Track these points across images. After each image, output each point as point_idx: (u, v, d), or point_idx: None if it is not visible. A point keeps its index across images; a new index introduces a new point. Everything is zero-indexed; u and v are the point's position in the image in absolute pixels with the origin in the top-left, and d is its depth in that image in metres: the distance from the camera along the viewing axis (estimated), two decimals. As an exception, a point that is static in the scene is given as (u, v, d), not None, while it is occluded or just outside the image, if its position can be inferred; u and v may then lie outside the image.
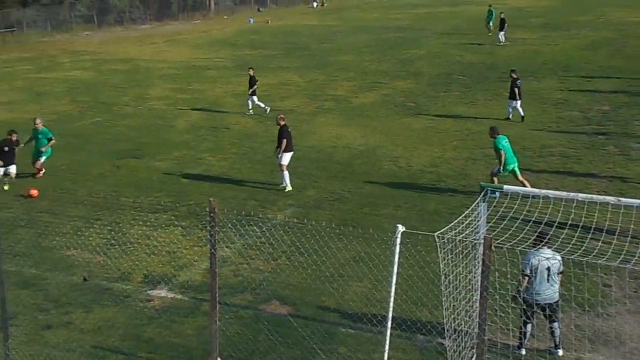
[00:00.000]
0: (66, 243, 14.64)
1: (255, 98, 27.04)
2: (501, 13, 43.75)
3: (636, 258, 10.74)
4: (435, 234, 8.97)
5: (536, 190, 10.36)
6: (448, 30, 49.96)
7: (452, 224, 9.35)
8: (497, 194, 10.26)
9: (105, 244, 14.74)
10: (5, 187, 18.68)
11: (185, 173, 19.98)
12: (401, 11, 65.05)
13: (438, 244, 8.95)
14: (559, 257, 10.24)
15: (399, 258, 9.12)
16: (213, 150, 22.30)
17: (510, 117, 24.84)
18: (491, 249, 7.90)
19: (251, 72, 27.27)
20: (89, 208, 17.08)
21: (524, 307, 10.42)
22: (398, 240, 9.05)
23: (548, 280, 10.17)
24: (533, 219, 11.73)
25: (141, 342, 11.02)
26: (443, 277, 9.32)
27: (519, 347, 10.65)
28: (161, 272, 13.51)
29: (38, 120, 20.49)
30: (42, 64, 41.99)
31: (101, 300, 12.41)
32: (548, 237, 10.37)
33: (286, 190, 18.07)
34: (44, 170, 20.04)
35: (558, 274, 10.24)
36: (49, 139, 20.25)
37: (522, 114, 24.64)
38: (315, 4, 75.53)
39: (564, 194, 10.23)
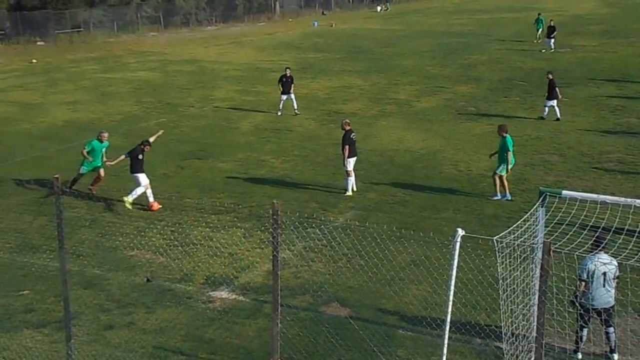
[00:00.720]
0: (129, 243, 14.53)
1: (285, 97, 27.42)
2: (551, 20, 42.88)
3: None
4: (494, 238, 8.86)
5: (594, 196, 10.12)
6: (510, 36, 49.23)
7: (511, 228, 9.24)
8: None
9: (167, 245, 14.59)
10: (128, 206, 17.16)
11: (248, 175, 20.07)
12: (463, 16, 64.37)
13: (497, 248, 8.85)
14: (615, 263, 10.03)
15: (457, 262, 9.04)
16: (276, 152, 22.39)
17: (545, 115, 25.42)
18: (550, 254, 7.77)
19: (288, 72, 27.65)
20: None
21: (581, 311, 10.24)
22: (457, 244, 8.96)
23: (604, 285, 9.99)
24: (590, 224, 11.47)
25: (202, 343, 10.95)
26: (501, 281, 9.20)
27: (576, 351, 10.46)
28: (222, 273, 13.40)
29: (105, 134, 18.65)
30: (108, 64, 42.06)
31: (163, 301, 12.30)
32: (605, 242, 10.18)
33: (345, 195, 18.02)
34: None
35: (614, 279, 10.03)
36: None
37: (558, 115, 25.10)
38: (379, 8, 75.31)
39: (621, 199, 9.99)
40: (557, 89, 25.20)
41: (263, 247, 14.42)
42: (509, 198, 17.36)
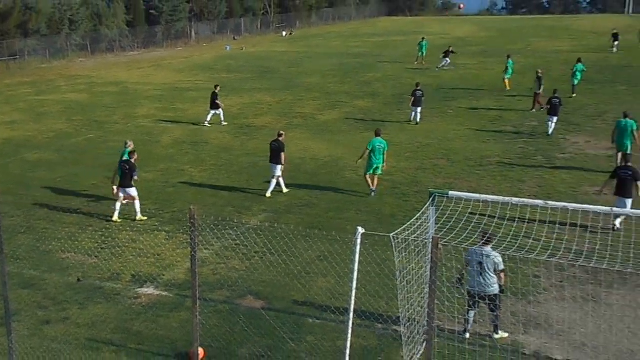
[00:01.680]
0: (62, 247, 14.43)
1: (213, 112, 27.82)
2: (450, 47, 44.27)
3: (561, 253, 10.89)
4: (391, 234, 8.99)
5: (477, 195, 10.43)
6: (400, 56, 50.31)
7: (405, 225, 9.39)
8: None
9: (97, 248, 14.56)
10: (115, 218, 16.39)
11: (170, 183, 19.76)
12: (359, 40, 65.35)
13: (394, 243, 8.98)
14: (495, 255, 10.29)
15: (359, 256, 9.11)
16: (194, 163, 22.11)
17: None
18: (438, 247, 7.95)
19: (218, 89, 28.05)
20: (82, 215, 16.81)
21: (467, 296, 10.53)
22: (358, 241, 9.04)
23: (481, 274, 10.26)
24: (475, 219, 11.82)
25: (131, 335, 10.92)
26: (398, 273, 9.35)
27: (464, 332, 10.72)
28: (148, 272, 13.37)
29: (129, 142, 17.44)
30: (41, 88, 41.37)
31: (94, 298, 12.30)
32: (489, 236, 10.47)
33: (283, 193, 18.30)
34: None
35: (496, 271, 10.29)
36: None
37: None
38: (284, 33, 75.41)
39: (500, 198, 10.35)
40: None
41: (184, 248, 14.30)
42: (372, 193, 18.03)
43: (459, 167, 20.63)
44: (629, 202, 14.75)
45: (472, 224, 11.93)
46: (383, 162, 17.98)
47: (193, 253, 8.88)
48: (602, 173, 19.44)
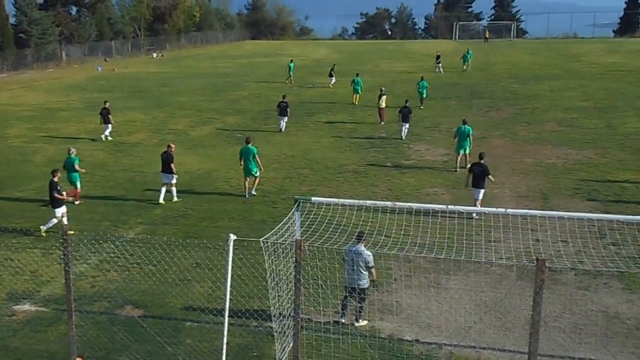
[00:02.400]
0: None
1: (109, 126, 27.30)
2: (335, 64, 45.19)
3: (408, 247, 11.43)
4: (261, 239, 9.01)
5: (336, 200, 10.72)
6: (265, 76, 50.48)
7: (274, 230, 9.46)
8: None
9: None
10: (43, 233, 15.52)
11: (44, 201, 18.46)
12: (227, 61, 64.87)
13: (263, 247, 9.01)
14: (367, 254, 10.56)
15: (233, 261, 9.05)
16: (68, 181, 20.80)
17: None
18: (301, 249, 8.08)
19: (107, 105, 27.49)
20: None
21: (344, 289, 10.74)
22: (231, 247, 8.98)
23: (353, 269, 10.52)
24: (335, 221, 12.12)
25: (8, 352, 10.17)
26: (269, 274, 9.39)
27: (341, 317, 10.89)
28: (24, 288, 12.50)
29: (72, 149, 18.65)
30: None
31: None
32: (360, 235, 10.73)
33: (174, 201, 18.11)
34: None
35: (367, 267, 10.56)
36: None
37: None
38: (154, 55, 73.21)
39: (356, 201, 10.69)
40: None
41: (60, 263, 13.38)
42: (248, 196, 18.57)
43: (321, 175, 21.04)
44: (481, 191, 16.37)
45: (333, 225, 12.25)
46: (256, 166, 18.51)
47: (67, 268, 8.53)
48: (439, 175, 20.68)
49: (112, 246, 14.29)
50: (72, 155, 18.60)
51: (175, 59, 68.48)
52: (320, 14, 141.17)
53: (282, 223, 9.76)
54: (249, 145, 18.69)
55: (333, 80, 43.61)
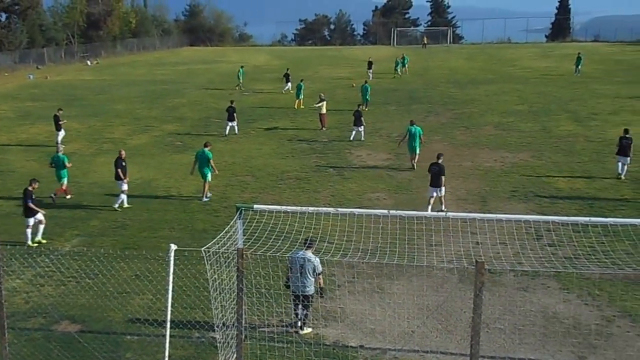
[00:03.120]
0: None
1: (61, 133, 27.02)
2: (288, 69, 45.24)
3: (351, 252, 11.51)
4: (202, 249, 8.89)
5: (278, 207, 10.70)
6: (204, 83, 50.00)
7: (216, 239, 9.35)
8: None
9: None
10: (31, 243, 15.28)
11: (-26, 214, 17.69)
12: (164, 68, 63.88)
13: (205, 256, 8.89)
14: (314, 260, 10.53)
15: (173, 272, 8.90)
16: (0, 192, 20.06)
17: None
18: (243, 257, 8.01)
19: (60, 112, 27.36)
20: None
21: (292, 297, 10.65)
22: (172, 257, 8.83)
23: (301, 275, 10.47)
24: (278, 228, 12.09)
25: None
26: (211, 283, 9.26)
27: (293, 325, 10.81)
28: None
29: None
30: None
31: None
32: (310, 241, 10.69)
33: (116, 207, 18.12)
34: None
35: (314, 273, 10.53)
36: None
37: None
38: (89, 62, 71.27)
39: (299, 208, 10.70)
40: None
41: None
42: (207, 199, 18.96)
43: (263, 182, 20.97)
44: (442, 189, 17.34)
45: (276, 233, 12.21)
46: (210, 171, 18.93)
47: None
48: (381, 180, 20.95)
49: (47, 260, 13.79)
50: (61, 154, 19.49)
51: (111, 66, 66.95)
52: (259, 20, 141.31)
53: (224, 232, 9.67)
54: (205, 150, 19.02)
55: (288, 86, 43.64)
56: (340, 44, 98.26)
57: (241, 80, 45.63)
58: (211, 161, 18.95)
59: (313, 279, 10.55)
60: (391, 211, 10.47)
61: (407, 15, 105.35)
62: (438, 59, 65.96)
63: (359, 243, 12.63)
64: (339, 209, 10.46)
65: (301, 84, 36.73)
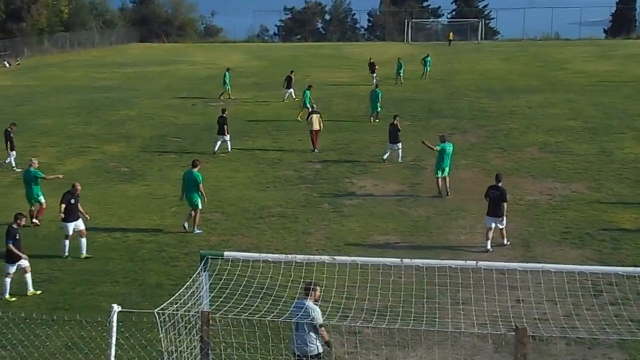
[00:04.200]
0: None
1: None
2: (292, 71, 46.27)
3: (352, 314, 11.53)
4: (156, 310, 8.92)
5: (256, 255, 10.77)
6: (159, 90, 50.38)
7: (174, 297, 9.38)
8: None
9: None
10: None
11: None
12: (107, 70, 64.33)
13: (159, 320, 8.91)
14: (312, 309, 10.46)
15: (117, 341, 8.90)
16: None
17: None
18: (209, 324, 8.04)
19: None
20: None
21: (292, 357, 10.57)
22: (115, 321, 8.85)
23: (297, 330, 10.43)
24: (255, 283, 12.13)
25: None
26: (167, 356, 9.26)
27: None
28: None
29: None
30: None
31: None
32: (311, 287, 10.65)
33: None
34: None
35: (316, 325, 10.48)
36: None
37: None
38: (7, 64, 71.63)
39: (283, 256, 10.76)
40: None
41: None
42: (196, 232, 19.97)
43: (236, 221, 21.03)
44: (503, 220, 18.43)
45: (254, 288, 12.24)
46: (199, 196, 19.93)
47: None
48: (392, 218, 21.06)
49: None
50: (33, 168, 20.78)
51: (37, 68, 67.34)
52: (231, 8, 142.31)
53: (184, 287, 9.71)
54: (194, 170, 20.01)
55: (289, 92, 44.21)
56: (338, 39, 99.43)
57: (228, 87, 45.76)
58: (200, 185, 19.88)
59: (315, 335, 10.50)
60: (405, 260, 10.54)
61: (425, 3, 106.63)
62: (466, 59, 66.77)
63: (363, 302, 12.64)
64: (336, 257, 10.53)
65: (307, 91, 37.31)
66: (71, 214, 18.40)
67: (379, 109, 36.20)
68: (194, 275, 10.20)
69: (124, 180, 26.21)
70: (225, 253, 10.55)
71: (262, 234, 19.91)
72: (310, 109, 34.67)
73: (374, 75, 50.47)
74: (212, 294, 10.58)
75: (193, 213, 19.98)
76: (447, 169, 23.20)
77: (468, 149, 29.77)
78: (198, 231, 19.95)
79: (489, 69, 58.31)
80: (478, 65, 61.05)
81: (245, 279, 12.05)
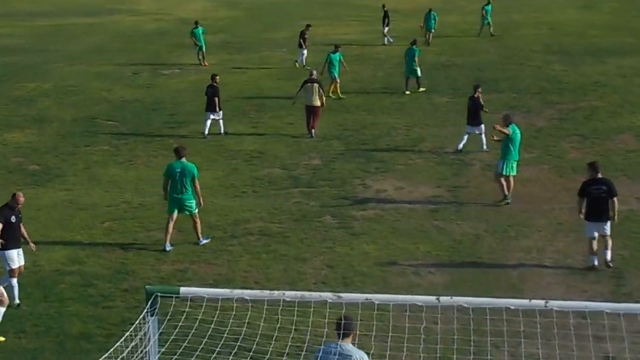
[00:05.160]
0: None
1: None
2: (309, 25, 46.71)
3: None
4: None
5: (227, 291, 10.72)
6: (85, 52, 50.35)
7: (107, 354, 9.37)
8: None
9: None
10: None
11: None
12: (10, 23, 64.33)
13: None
14: (360, 356, 10.38)
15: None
16: None
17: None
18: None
19: None
20: None
21: None
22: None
23: None
24: (227, 329, 12.13)
25: None
26: None
27: None
28: None
29: None
30: None
31: None
32: (347, 324, 10.58)
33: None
34: None
35: None
36: None
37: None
38: None
39: (266, 293, 10.73)
40: None
41: None
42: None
43: (194, 243, 20.83)
44: (605, 227, 18.83)
45: (223, 339, 12.21)
46: (194, 196, 20.67)
47: None
48: (424, 236, 21.01)
49: None
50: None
51: None
52: None
53: (122, 339, 9.69)
54: (184, 161, 20.65)
55: (304, 55, 44.90)
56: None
57: (203, 47, 45.75)
58: (197, 181, 20.51)
59: None
60: (442, 298, 10.52)
61: None
62: (529, 5, 66.70)
63: (383, 358, 12.64)
64: (342, 295, 10.48)
65: (335, 55, 37.36)
66: (13, 238, 17.99)
67: (418, 72, 36.93)
68: (137, 321, 10.17)
69: (33, 183, 26.10)
70: (182, 289, 10.51)
71: (236, 260, 19.83)
72: (331, 79, 35.04)
73: (387, 29, 50.63)
74: (164, 349, 10.56)
75: (194, 220, 20.64)
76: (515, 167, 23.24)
77: (532, 137, 29.70)
78: (205, 240, 20.77)
79: (562, 21, 58.33)
80: (547, 16, 61.08)
81: (212, 326, 12.03)
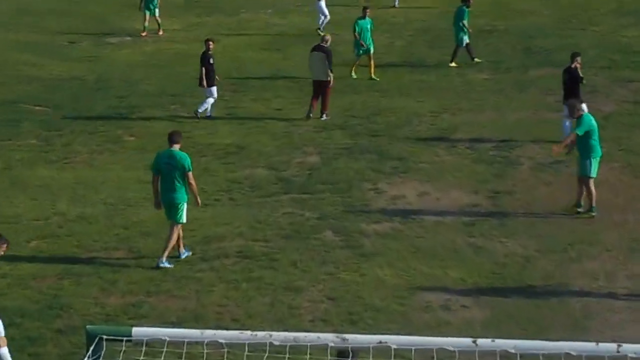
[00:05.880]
0: None
1: None
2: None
3: None
4: None
5: (196, 332, 10.71)
6: (4, 13, 50.51)
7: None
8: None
9: None
10: None
11: None
12: None
13: None
14: None
15: None
16: None
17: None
18: None
19: None
20: None
21: None
22: None
23: None
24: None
25: None
26: None
27: None
28: None
29: None
30: None
31: None
32: None
33: None
34: None
35: None
36: None
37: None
38: None
39: (246, 334, 10.72)
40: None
41: None
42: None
43: (152, 268, 20.94)
44: None
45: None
46: (186, 194, 21.22)
47: None
48: (454, 257, 20.99)
49: None
50: None
51: None
52: None
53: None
54: (174, 149, 21.32)
55: (324, 18, 45.53)
56: None
57: (155, 12, 45.85)
58: (190, 175, 21.05)
59: None
60: (480, 340, 10.52)
61: None
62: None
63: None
64: (347, 336, 10.47)
65: (363, 22, 37.73)
66: None
67: (467, 37, 37.81)
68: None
69: None
70: (135, 329, 10.49)
71: (208, 290, 19.88)
72: (357, 55, 35.39)
73: None
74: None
75: (174, 229, 21.04)
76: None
77: (599, 126, 29.68)
78: (186, 253, 21.43)
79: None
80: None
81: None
